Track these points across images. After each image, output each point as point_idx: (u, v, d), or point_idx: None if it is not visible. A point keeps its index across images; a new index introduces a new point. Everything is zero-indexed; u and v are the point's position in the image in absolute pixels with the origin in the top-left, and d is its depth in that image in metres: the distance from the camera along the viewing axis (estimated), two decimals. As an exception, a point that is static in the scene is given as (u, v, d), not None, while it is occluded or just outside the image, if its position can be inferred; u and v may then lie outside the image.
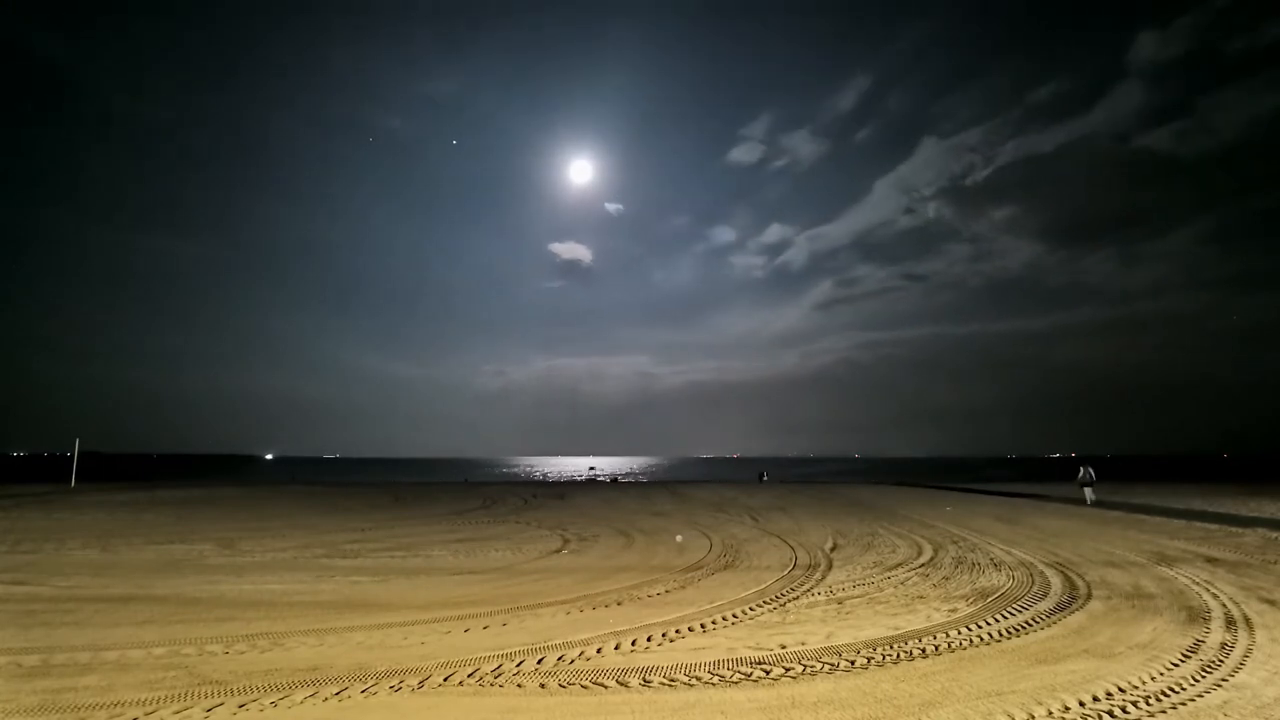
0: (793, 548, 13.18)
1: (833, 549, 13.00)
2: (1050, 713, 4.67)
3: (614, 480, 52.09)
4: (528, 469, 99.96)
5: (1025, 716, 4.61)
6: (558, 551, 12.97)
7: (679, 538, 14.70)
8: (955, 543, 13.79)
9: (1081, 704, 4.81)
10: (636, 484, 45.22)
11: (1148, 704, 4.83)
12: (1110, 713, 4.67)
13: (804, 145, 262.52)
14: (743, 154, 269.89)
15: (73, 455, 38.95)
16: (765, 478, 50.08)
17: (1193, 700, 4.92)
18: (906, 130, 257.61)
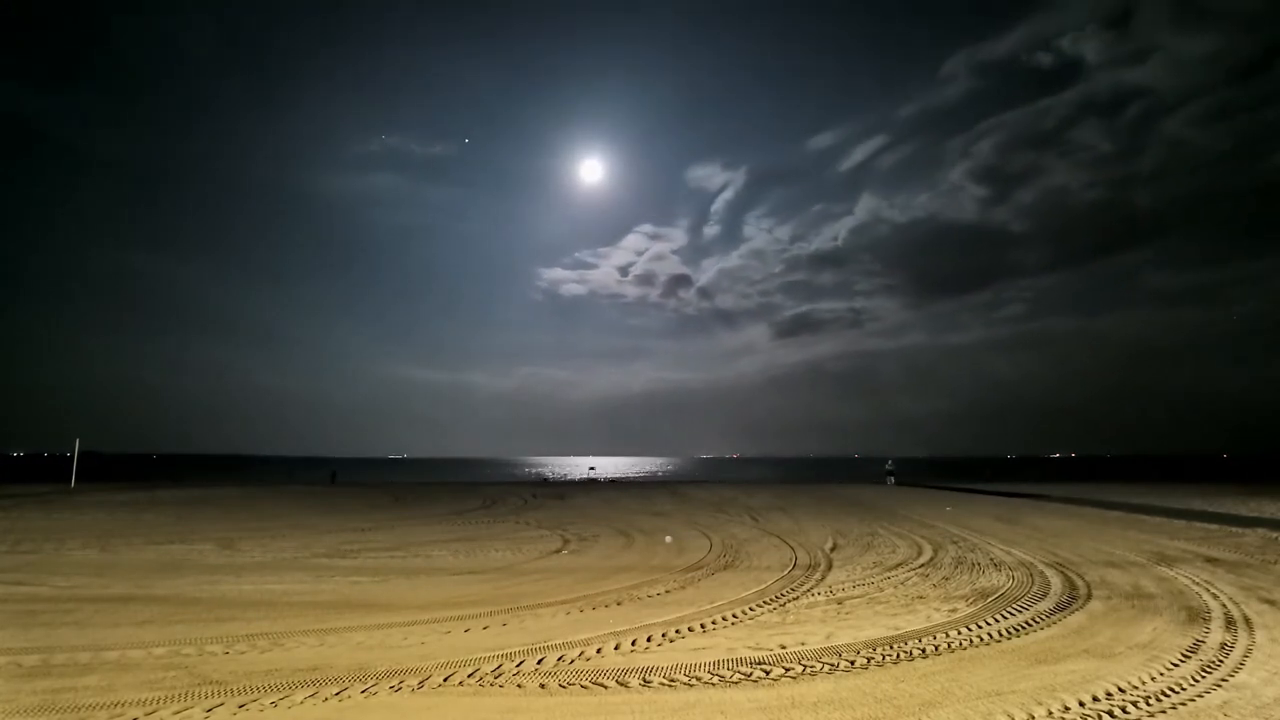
0: (793, 548, 13.19)
1: (833, 549, 13.00)
2: (1050, 713, 4.67)
3: (613, 480, 52.06)
4: (528, 469, 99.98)
5: (1025, 716, 4.61)
6: (558, 552, 12.97)
7: (668, 538, 14.70)
8: (955, 543, 13.80)
9: (1081, 704, 4.82)
10: (636, 484, 45.25)
11: (1148, 704, 4.83)
12: (1110, 713, 4.67)
13: (678, 235, 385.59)
14: (635, 241, 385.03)
15: (73, 455, 38.94)
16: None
17: (1193, 700, 4.92)
18: (735, 228, 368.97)
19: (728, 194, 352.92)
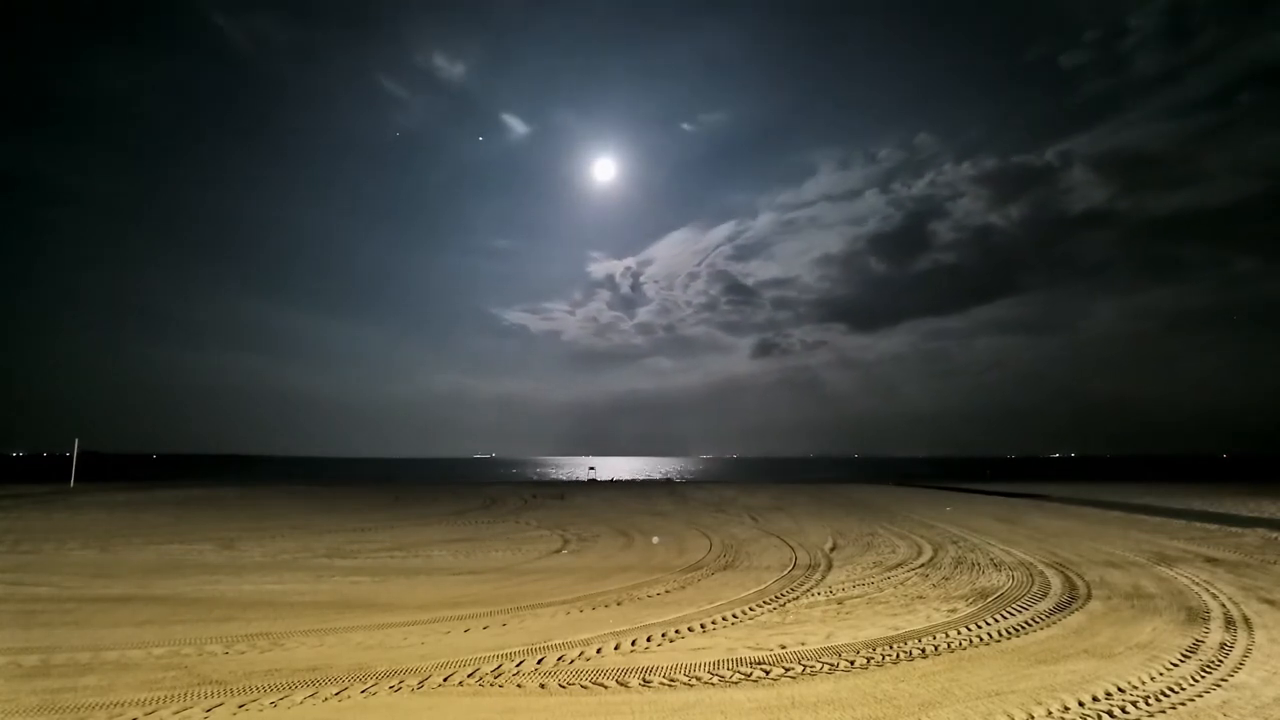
0: (792, 548, 13.19)
1: (832, 549, 13.00)
2: (1050, 713, 4.67)
3: (613, 481, 52.03)
4: (528, 469, 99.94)
5: (1025, 716, 4.61)
6: (558, 551, 12.97)
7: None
8: (955, 543, 13.80)
9: (1081, 704, 4.82)
10: (636, 484, 45.23)
11: (1147, 704, 4.83)
12: (1110, 713, 4.67)
13: (604, 293, 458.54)
14: (577, 295, 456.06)
15: (73, 455, 38.93)
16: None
17: (1192, 700, 4.93)
18: (639, 288, 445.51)
19: (627, 268, 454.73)
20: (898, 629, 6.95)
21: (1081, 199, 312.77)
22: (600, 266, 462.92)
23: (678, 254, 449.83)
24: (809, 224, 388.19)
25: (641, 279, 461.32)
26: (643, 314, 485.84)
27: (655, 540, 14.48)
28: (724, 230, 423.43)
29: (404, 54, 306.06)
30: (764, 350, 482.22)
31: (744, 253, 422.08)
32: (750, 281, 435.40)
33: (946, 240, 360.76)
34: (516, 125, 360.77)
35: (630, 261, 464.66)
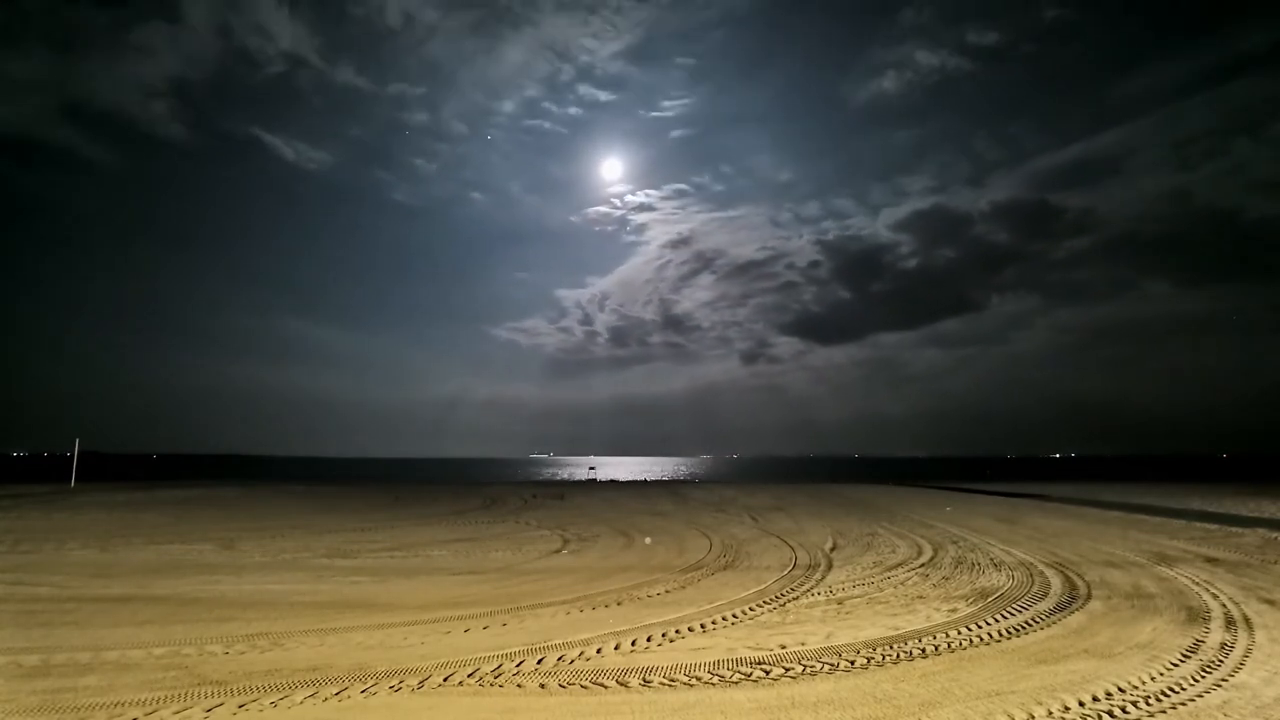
0: (793, 548, 13.19)
1: (832, 549, 13.00)
2: (1050, 713, 4.67)
3: (613, 481, 52.01)
4: (529, 470, 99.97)
5: (1025, 716, 4.61)
6: (558, 552, 12.97)
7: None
8: (955, 543, 13.80)
9: (1081, 704, 4.82)
10: (636, 484, 45.22)
11: (1148, 704, 4.83)
12: (1110, 713, 4.67)
13: (575, 311, 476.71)
14: (552, 315, 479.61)
15: (73, 455, 38.94)
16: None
17: (1193, 700, 4.92)
18: (604, 308, 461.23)
19: (593, 295, 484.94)
20: (898, 629, 6.95)
21: (1004, 239, 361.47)
22: (569, 294, 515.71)
23: (632, 281, 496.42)
24: (749, 262, 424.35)
25: (608, 301, 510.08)
26: (617, 330, 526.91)
27: (648, 540, 14.45)
28: (673, 261, 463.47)
29: (390, 156, 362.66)
30: (751, 358, 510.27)
31: (690, 282, 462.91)
32: (702, 304, 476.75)
33: (899, 269, 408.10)
34: (482, 199, 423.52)
35: (595, 290, 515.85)
